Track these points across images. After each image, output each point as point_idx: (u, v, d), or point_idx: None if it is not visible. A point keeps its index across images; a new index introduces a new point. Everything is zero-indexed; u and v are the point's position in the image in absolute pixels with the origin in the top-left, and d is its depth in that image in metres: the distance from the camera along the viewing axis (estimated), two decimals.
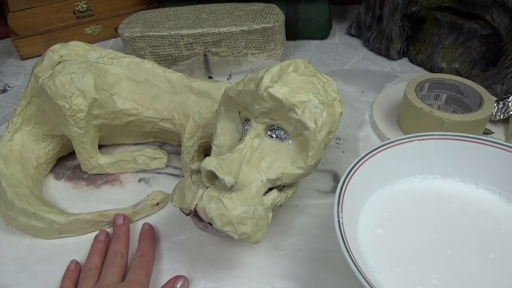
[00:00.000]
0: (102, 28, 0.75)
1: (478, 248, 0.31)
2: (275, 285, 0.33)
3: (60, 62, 0.42)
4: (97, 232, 0.38)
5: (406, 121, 0.48)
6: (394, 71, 0.63)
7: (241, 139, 0.35)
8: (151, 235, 0.37)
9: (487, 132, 0.48)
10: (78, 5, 0.71)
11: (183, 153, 0.43)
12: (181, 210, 0.31)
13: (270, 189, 0.33)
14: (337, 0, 0.83)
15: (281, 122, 0.33)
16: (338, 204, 0.30)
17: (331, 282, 0.34)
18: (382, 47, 0.67)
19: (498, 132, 0.48)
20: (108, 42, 0.76)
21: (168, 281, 0.33)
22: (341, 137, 0.49)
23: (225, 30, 0.59)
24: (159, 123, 0.45)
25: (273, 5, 0.65)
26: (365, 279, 0.25)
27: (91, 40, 0.74)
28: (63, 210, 0.40)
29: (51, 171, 0.46)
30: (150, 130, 0.46)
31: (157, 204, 0.40)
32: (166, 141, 0.49)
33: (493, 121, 0.49)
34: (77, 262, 0.35)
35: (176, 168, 0.46)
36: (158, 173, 0.46)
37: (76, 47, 0.43)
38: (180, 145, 0.44)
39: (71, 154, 0.47)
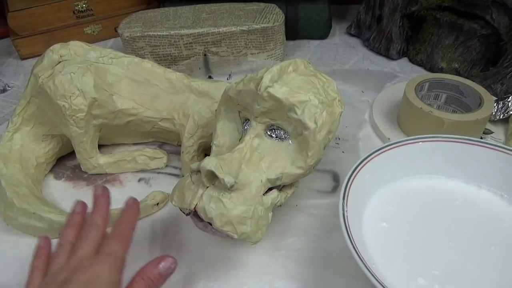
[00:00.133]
0: (102, 28, 0.75)
1: (479, 242, 0.32)
2: (275, 285, 0.33)
3: (60, 62, 0.42)
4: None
5: (406, 121, 0.48)
6: (394, 71, 0.63)
7: (241, 139, 0.35)
8: (135, 206, 0.32)
9: (487, 132, 0.48)
10: (77, 5, 0.71)
11: (183, 153, 0.43)
12: (181, 210, 0.31)
13: (270, 189, 0.33)
14: (337, 0, 0.83)
15: (281, 122, 0.33)
16: (344, 198, 0.31)
17: (330, 281, 0.34)
18: (382, 47, 0.67)
19: (498, 132, 0.48)
20: (107, 42, 0.76)
21: (152, 260, 0.28)
22: (341, 137, 0.49)
23: (225, 30, 0.59)
24: (159, 123, 0.44)
25: (273, 5, 0.65)
26: (369, 271, 0.26)
27: (91, 40, 0.74)
28: (63, 210, 0.40)
29: (51, 171, 0.46)
30: (150, 130, 0.46)
31: (157, 204, 0.40)
32: (166, 141, 0.48)
33: (493, 121, 0.49)
34: (46, 238, 0.31)
35: (176, 168, 0.46)
36: (158, 173, 0.46)
37: (76, 47, 0.43)
38: (180, 145, 0.44)
39: (71, 154, 0.47)
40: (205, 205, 0.29)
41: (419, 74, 0.59)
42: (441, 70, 0.61)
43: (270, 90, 0.31)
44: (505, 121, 0.49)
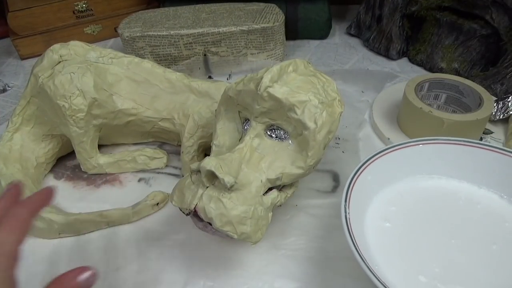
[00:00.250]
0: (102, 28, 0.75)
1: (481, 240, 0.32)
2: (274, 284, 0.33)
3: (59, 62, 0.42)
4: (96, 232, 0.39)
5: (405, 121, 0.48)
6: (394, 71, 0.63)
7: (240, 139, 0.35)
8: (47, 192, 0.26)
9: (487, 132, 0.48)
10: (77, 4, 0.71)
11: (183, 153, 0.43)
12: (180, 210, 0.31)
13: (270, 189, 0.33)
14: (336, 0, 0.83)
15: (280, 122, 0.33)
16: (346, 200, 0.31)
17: (330, 281, 0.34)
18: (381, 47, 0.67)
19: (498, 132, 0.48)
20: (107, 42, 0.76)
21: (70, 271, 0.23)
22: (341, 137, 0.49)
23: (224, 30, 0.59)
24: (159, 123, 0.45)
25: (272, 5, 0.65)
26: (372, 273, 0.26)
27: (91, 39, 0.75)
28: (63, 210, 0.40)
29: (50, 171, 0.46)
30: (149, 130, 0.46)
31: (157, 204, 0.40)
32: (166, 141, 0.48)
33: (492, 121, 0.49)
34: None
35: (175, 168, 0.46)
36: (158, 173, 0.46)
37: (76, 46, 0.43)
38: (180, 145, 0.44)
39: (71, 154, 0.47)
40: (205, 205, 0.29)
41: (419, 74, 0.59)
42: (441, 70, 0.61)
43: (270, 90, 0.31)
44: (505, 121, 0.49)
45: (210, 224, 0.30)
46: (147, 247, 0.37)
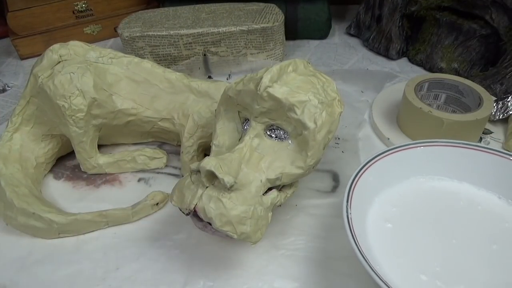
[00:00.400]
0: (102, 27, 0.75)
1: (481, 240, 0.32)
2: (274, 284, 0.33)
3: (59, 61, 0.42)
4: (96, 232, 0.39)
5: (405, 121, 0.48)
6: (394, 71, 0.63)
7: (240, 139, 0.35)
8: None
9: (487, 132, 0.48)
10: (77, 4, 0.71)
11: (183, 153, 0.43)
12: (180, 210, 0.31)
13: (270, 189, 0.33)
14: (336, 0, 0.83)
15: (280, 122, 0.33)
16: (347, 201, 0.31)
17: (330, 281, 0.34)
18: (381, 47, 0.67)
19: (498, 132, 0.48)
20: (107, 42, 0.76)
21: None
22: (341, 137, 0.49)
23: (224, 30, 0.59)
24: (159, 123, 0.45)
25: (272, 5, 0.65)
26: (374, 272, 0.26)
27: (91, 39, 0.74)
28: (63, 210, 0.40)
29: (50, 170, 0.46)
30: (149, 130, 0.46)
31: (157, 204, 0.40)
32: (166, 141, 0.48)
33: (492, 121, 0.49)
34: None
35: (175, 168, 0.46)
36: (158, 173, 0.46)
37: (76, 46, 0.43)
38: (180, 145, 0.44)
39: (71, 154, 0.47)
40: (205, 205, 0.29)
41: (419, 74, 0.59)
42: (440, 70, 0.61)
43: (270, 90, 0.31)
44: (504, 121, 0.49)
45: (210, 224, 0.30)
46: (147, 247, 0.37)
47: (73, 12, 0.72)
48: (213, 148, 0.36)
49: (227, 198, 0.29)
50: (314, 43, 0.72)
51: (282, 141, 0.34)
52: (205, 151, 0.44)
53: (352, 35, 0.75)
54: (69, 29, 0.73)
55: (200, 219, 0.30)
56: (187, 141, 0.42)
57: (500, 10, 0.55)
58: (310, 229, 0.38)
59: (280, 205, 0.35)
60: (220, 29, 0.59)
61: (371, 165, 0.35)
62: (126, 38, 0.59)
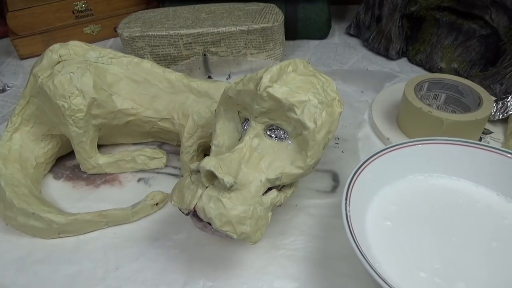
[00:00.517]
0: (101, 27, 0.75)
1: (481, 237, 0.32)
2: (274, 284, 0.33)
3: (59, 61, 0.42)
4: (96, 232, 0.39)
5: (405, 121, 0.48)
6: (393, 71, 0.63)
7: (240, 139, 0.35)
8: None
9: (486, 132, 0.48)
10: (77, 4, 0.71)
11: (182, 153, 0.43)
12: (180, 210, 0.31)
13: (270, 189, 0.33)
14: (336, 0, 0.83)
15: (280, 122, 0.33)
16: (346, 199, 0.31)
17: (329, 281, 0.34)
18: (381, 47, 0.67)
19: (497, 132, 0.48)
20: (107, 42, 0.76)
21: None
22: (340, 137, 0.49)
23: (224, 30, 0.59)
24: (158, 123, 0.44)
25: (272, 5, 0.65)
26: (374, 270, 0.26)
27: (90, 39, 0.74)
28: (62, 210, 0.40)
29: (50, 170, 0.46)
30: (149, 130, 0.46)
31: (156, 204, 0.40)
32: (165, 141, 0.48)
33: (492, 121, 0.49)
34: None
35: (175, 168, 0.46)
36: (157, 173, 0.46)
37: (75, 46, 0.43)
38: (179, 145, 0.44)
39: (70, 154, 0.47)
40: (205, 205, 0.29)
41: (419, 74, 0.59)
42: (440, 70, 0.61)
43: (270, 90, 0.31)
44: (504, 121, 0.49)
45: (210, 224, 0.30)
46: (147, 247, 0.37)
47: (73, 12, 0.72)
48: (213, 148, 0.36)
49: (227, 198, 0.29)
50: (314, 43, 0.72)
51: (282, 141, 0.34)
52: (205, 151, 0.44)
53: (352, 35, 0.75)
54: (69, 29, 0.73)
55: (200, 219, 0.30)
56: (187, 141, 0.42)
57: (500, 10, 0.55)
58: (310, 229, 0.38)
59: (280, 205, 0.35)
60: (220, 29, 0.59)
61: (369, 163, 0.35)
62: (126, 38, 0.59)
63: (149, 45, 0.60)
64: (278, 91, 0.31)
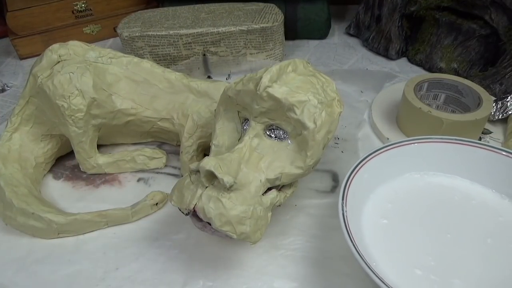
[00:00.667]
0: (101, 27, 0.75)
1: (476, 234, 0.33)
2: (274, 284, 0.33)
3: (59, 61, 0.41)
4: (96, 232, 0.38)
5: (405, 121, 0.48)
6: (393, 71, 0.63)
7: (240, 139, 0.35)
8: None
9: (486, 132, 0.48)
10: (77, 4, 0.71)
11: (182, 152, 0.43)
12: (180, 210, 0.31)
13: (269, 189, 0.33)
14: (336, 0, 0.83)
15: (280, 122, 0.33)
16: (343, 199, 0.32)
17: (329, 281, 0.34)
18: (381, 47, 0.67)
19: (497, 132, 0.48)
20: (107, 42, 0.76)
21: None
22: (340, 137, 0.49)
23: (224, 30, 0.59)
24: (158, 122, 0.44)
25: (272, 5, 0.65)
26: (372, 271, 0.26)
27: (90, 39, 0.74)
28: (62, 210, 0.40)
29: (50, 170, 0.46)
30: (149, 130, 0.46)
31: (156, 204, 0.40)
32: (165, 140, 0.48)
33: (492, 121, 0.49)
34: None
35: (175, 168, 0.46)
36: (157, 173, 0.46)
37: (75, 46, 0.43)
38: (179, 145, 0.44)
39: (70, 154, 0.47)
40: (204, 205, 0.29)
41: (418, 74, 0.59)
42: (440, 70, 0.61)
43: (269, 90, 0.31)
44: (504, 121, 0.49)
45: (209, 224, 0.30)
46: (147, 247, 0.37)
47: (73, 12, 0.72)
48: (213, 148, 0.36)
49: (226, 198, 0.29)
50: (313, 43, 0.72)
51: (281, 141, 0.34)
52: (204, 151, 0.44)
53: (351, 35, 0.75)
54: (69, 29, 0.72)
55: (200, 219, 0.30)
56: (186, 141, 0.42)
57: (500, 10, 0.55)
58: (309, 229, 0.38)
59: (279, 205, 0.35)
60: (220, 29, 0.59)
61: (365, 162, 0.35)
62: (125, 38, 0.59)
63: (148, 45, 0.60)
64: (278, 91, 0.31)
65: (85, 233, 0.39)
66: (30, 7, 0.68)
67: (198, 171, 0.30)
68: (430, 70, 0.63)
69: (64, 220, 0.37)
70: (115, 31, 0.72)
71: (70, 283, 0.34)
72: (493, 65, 0.57)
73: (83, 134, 0.42)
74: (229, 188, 0.29)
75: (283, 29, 0.62)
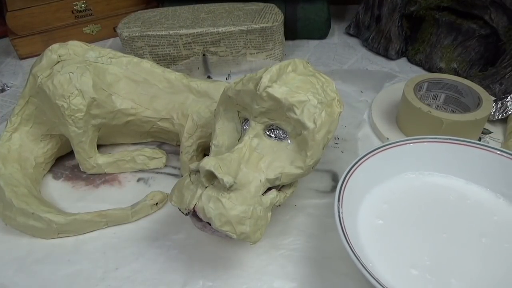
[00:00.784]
0: (101, 27, 0.75)
1: (471, 234, 0.33)
2: (274, 284, 0.33)
3: (58, 61, 0.41)
4: (95, 232, 0.38)
5: (404, 121, 0.48)
6: (393, 71, 0.63)
7: (240, 139, 0.35)
8: None
9: (486, 132, 0.48)
10: (76, 4, 0.71)
11: (182, 152, 0.43)
12: (179, 210, 0.31)
13: (269, 188, 0.33)
14: (336, 0, 0.83)
15: (280, 122, 0.33)
16: (339, 200, 0.32)
17: (329, 281, 0.34)
18: (380, 47, 0.67)
19: (497, 132, 0.48)
20: (106, 42, 0.76)
21: None
22: (340, 137, 0.49)
23: (224, 30, 0.59)
24: (158, 122, 0.44)
25: (272, 4, 0.65)
26: (367, 272, 0.26)
27: (90, 39, 0.74)
28: (62, 210, 0.40)
29: (49, 170, 0.46)
30: (149, 130, 0.46)
31: (156, 204, 0.40)
32: (165, 140, 0.48)
33: (491, 121, 0.49)
34: None
35: (175, 168, 0.46)
36: (157, 173, 0.46)
37: (75, 46, 0.43)
38: (179, 145, 0.44)
39: (70, 154, 0.47)
40: (204, 205, 0.29)
41: (418, 74, 0.59)
42: (440, 70, 0.61)
43: (269, 90, 0.31)
44: (503, 121, 0.49)
45: (209, 224, 0.30)
46: (146, 247, 0.37)
47: (72, 12, 0.72)
48: (213, 148, 0.36)
49: (226, 198, 0.29)
50: (313, 43, 0.72)
51: (281, 141, 0.34)
52: (204, 151, 0.44)
53: (351, 35, 0.75)
54: (68, 29, 0.72)
55: (200, 219, 0.30)
56: (186, 141, 0.42)
57: (499, 10, 0.55)
58: (309, 229, 0.38)
59: (279, 205, 0.35)
60: (220, 29, 0.59)
61: (361, 163, 0.35)
62: (125, 38, 0.59)
63: (148, 45, 0.60)
64: (278, 91, 0.31)
65: (85, 233, 0.39)
66: (30, 7, 0.68)
67: (198, 171, 0.30)
68: (430, 70, 0.63)
69: (64, 220, 0.37)
70: (115, 31, 0.72)
71: (70, 283, 0.34)
72: (493, 65, 0.57)
73: (83, 134, 0.42)
74: (229, 188, 0.29)
75: (283, 29, 0.62)
